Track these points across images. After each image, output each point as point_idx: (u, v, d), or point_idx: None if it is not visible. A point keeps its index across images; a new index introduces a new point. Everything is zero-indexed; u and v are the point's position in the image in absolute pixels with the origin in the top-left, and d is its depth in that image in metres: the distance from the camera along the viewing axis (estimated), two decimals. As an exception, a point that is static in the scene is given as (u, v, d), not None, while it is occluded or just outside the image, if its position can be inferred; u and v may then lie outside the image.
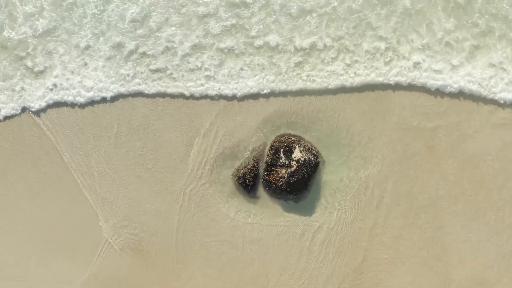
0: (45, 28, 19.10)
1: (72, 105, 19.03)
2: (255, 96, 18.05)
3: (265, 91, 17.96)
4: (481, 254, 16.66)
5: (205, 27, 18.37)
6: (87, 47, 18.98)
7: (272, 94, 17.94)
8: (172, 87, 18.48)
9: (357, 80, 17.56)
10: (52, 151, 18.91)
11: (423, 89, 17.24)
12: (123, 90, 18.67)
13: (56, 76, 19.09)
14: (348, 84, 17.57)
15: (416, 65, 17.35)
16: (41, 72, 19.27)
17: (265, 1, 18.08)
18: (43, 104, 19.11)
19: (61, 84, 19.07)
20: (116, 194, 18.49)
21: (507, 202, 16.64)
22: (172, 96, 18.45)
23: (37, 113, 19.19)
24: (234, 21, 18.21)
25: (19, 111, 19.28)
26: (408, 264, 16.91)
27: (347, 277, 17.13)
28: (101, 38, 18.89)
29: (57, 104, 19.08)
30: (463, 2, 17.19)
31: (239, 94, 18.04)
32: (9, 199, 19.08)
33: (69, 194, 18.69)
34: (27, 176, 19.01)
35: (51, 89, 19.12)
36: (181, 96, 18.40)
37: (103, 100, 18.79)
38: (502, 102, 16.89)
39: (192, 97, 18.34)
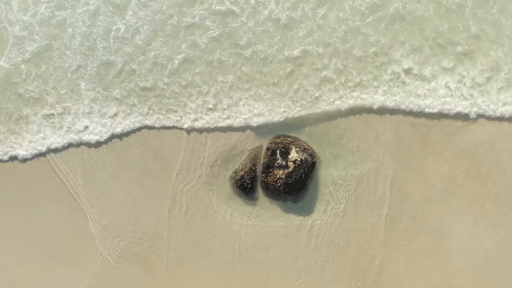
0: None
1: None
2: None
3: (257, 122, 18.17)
4: (480, 245, 16.83)
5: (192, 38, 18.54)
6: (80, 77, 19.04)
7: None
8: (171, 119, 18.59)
9: (349, 103, 17.83)
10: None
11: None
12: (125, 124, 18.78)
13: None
14: (343, 108, 17.82)
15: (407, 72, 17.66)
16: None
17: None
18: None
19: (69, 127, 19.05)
20: (109, 202, 18.52)
21: (502, 193, 16.86)
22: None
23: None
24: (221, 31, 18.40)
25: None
26: (410, 259, 17.01)
27: (348, 275, 17.20)
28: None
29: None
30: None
31: (235, 124, 18.23)
32: (8, 213, 19.04)
33: (68, 205, 18.68)
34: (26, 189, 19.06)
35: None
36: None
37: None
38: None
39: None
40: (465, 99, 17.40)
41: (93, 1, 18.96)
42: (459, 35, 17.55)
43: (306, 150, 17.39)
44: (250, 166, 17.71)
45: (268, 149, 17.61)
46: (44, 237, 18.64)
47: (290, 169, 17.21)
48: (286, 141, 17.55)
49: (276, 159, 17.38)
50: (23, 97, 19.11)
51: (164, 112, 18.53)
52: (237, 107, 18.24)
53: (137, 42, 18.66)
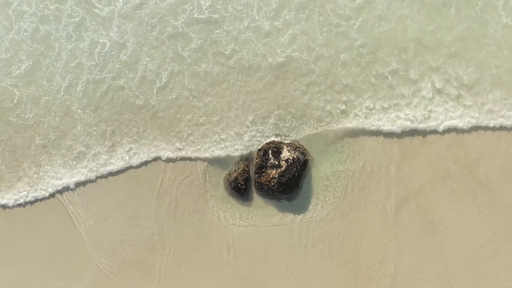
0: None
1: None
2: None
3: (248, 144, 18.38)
4: (474, 233, 17.05)
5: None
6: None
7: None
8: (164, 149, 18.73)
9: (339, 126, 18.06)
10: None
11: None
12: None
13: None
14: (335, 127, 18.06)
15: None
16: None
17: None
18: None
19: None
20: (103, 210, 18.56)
21: (494, 182, 17.14)
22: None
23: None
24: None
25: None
26: (405, 249, 17.17)
27: (345, 270, 17.31)
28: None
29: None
30: None
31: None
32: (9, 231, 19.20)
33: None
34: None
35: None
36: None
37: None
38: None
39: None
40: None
41: (76, 14, 19.13)
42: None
43: (297, 149, 17.57)
44: (243, 167, 17.84)
45: (260, 149, 17.77)
46: (41, 250, 18.76)
47: (283, 168, 17.36)
48: (278, 140, 17.72)
49: (268, 159, 17.53)
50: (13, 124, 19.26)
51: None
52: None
53: (123, 57, 18.86)
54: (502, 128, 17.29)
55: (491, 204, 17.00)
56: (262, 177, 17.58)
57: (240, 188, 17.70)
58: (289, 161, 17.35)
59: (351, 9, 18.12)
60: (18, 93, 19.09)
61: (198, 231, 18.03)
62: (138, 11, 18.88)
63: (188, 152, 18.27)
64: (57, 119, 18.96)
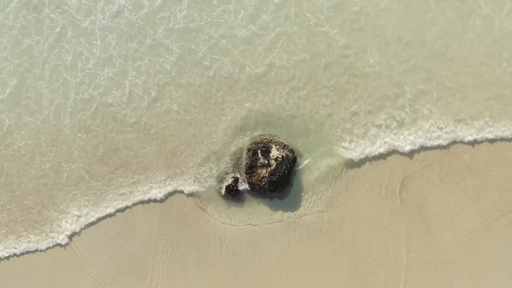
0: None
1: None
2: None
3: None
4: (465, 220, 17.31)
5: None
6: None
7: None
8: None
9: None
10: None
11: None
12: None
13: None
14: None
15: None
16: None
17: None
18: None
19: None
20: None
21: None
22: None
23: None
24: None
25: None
26: (398, 239, 17.38)
27: (341, 261, 17.48)
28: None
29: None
30: None
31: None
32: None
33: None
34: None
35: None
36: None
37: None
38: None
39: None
40: None
41: (57, 24, 19.20)
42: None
43: (286, 147, 17.76)
44: (233, 168, 18.00)
45: (249, 150, 17.93)
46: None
47: (273, 167, 17.53)
48: (266, 140, 17.90)
49: (258, 159, 17.70)
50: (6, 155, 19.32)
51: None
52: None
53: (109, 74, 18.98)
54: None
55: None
56: (253, 177, 17.75)
57: (232, 189, 17.86)
58: (279, 159, 17.53)
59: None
60: (8, 120, 19.20)
61: (193, 234, 18.18)
62: (116, 20, 18.99)
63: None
64: (52, 151, 19.00)
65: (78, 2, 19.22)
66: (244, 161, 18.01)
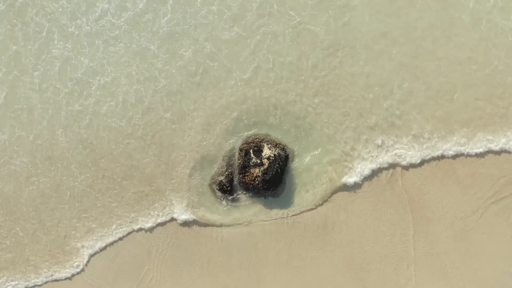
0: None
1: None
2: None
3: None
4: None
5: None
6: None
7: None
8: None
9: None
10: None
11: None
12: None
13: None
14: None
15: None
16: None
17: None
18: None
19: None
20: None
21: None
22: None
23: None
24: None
25: None
26: (395, 233, 17.62)
27: (338, 256, 17.70)
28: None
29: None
30: None
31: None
32: None
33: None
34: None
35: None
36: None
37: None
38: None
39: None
40: None
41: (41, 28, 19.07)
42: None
43: (278, 145, 17.87)
44: (227, 169, 18.12)
45: (241, 150, 18.04)
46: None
47: (266, 166, 17.66)
48: (258, 139, 18.00)
49: (250, 159, 17.82)
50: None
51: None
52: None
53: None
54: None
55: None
56: (246, 177, 17.88)
57: (226, 190, 18.02)
58: (271, 158, 17.66)
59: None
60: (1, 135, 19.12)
61: (188, 235, 18.42)
62: (101, 22, 18.84)
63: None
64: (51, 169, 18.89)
65: (60, 6, 19.00)
66: (236, 161, 18.13)
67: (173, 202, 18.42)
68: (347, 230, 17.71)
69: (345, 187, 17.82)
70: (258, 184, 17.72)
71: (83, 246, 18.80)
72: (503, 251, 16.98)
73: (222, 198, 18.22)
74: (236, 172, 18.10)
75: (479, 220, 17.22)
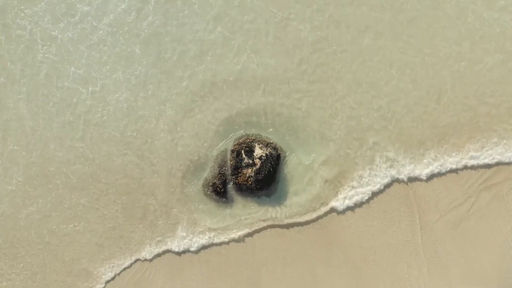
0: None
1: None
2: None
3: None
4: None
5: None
6: None
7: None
8: None
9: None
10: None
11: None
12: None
13: None
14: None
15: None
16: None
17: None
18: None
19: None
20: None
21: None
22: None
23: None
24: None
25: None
26: (388, 226, 17.81)
27: (334, 252, 17.85)
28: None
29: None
30: None
31: None
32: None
33: None
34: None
35: None
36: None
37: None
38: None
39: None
40: None
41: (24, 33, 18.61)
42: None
43: (269, 145, 17.84)
44: (219, 171, 18.06)
45: (232, 151, 17.99)
46: None
47: (258, 166, 17.65)
48: (249, 140, 17.95)
49: (242, 159, 17.78)
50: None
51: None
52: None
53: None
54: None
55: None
56: (239, 178, 17.86)
57: (219, 192, 17.98)
58: (263, 158, 17.63)
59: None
60: None
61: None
62: (83, 25, 18.44)
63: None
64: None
65: (39, 9, 18.55)
66: (229, 163, 18.07)
67: (168, 237, 18.26)
68: (342, 225, 17.88)
69: (338, 184, 17.94)
70: (251, 184, 17.71)
71: (97, 273, 18.34)
72: (498, 236, 17.30)
73: (215, 200, 18.16)
74: (229, 173, 18.03)
75: (472, 207, 17.50)
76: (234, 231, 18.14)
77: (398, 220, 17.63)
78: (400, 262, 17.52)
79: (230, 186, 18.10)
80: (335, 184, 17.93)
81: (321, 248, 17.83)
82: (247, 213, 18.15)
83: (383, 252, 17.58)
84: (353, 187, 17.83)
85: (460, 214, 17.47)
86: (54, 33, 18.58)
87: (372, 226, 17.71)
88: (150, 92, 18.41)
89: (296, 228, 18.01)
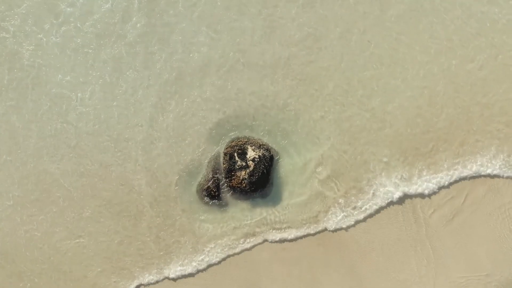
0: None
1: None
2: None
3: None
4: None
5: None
6: None
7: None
8: None
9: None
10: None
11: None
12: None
13: None
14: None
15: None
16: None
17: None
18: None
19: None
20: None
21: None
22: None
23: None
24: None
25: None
26: (384, 223, 17.92)
27: (333, 251, 17.94)
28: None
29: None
30: None
31: None
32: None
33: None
34: None
35: None
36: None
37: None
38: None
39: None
40: None
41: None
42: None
43: (262, 146, 17.80)
44: (213, 174, 18.00)
45: (225, 154, 17.92)
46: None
47: (251, 168, 17.61)
48: (241, 142, 17.89)
49: (235, 162, 17.73)
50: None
51: None
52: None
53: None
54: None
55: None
56: (233, 180, 17.82)
57: (213, 195, 17.92)
58: (256, 159, 17.60)
59: None
60: None
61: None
62: (66, 28, 18.10)
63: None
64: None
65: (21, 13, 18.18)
66: (222, 166, 18.02)
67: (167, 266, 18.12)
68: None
69: (332, 182, 17.98)
70: (245, 186, 17.68)
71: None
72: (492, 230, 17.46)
73: (211, 204, 18.10)
74: (223, 176, 17.99)
75: (466, 201, 17.62)
76: (228, 229, 18.13)
77: (395, 216, 17.78)
78: (396, 256, 17.66)
79: (224, 189, 18.05)
80: (329, 185, 17.98)
81: (318, 246, 17.91)
82: (242, 214, 18.05)
83: (380, 248, 17.68)
84: (348, 190, 17.95)
85: (455, 207, 17.61)
86: (39, 35, 18.23)
87: (367, 223, 17.82)
88: (139, 97, 18.18)
89: (295, 228, 18.06)
